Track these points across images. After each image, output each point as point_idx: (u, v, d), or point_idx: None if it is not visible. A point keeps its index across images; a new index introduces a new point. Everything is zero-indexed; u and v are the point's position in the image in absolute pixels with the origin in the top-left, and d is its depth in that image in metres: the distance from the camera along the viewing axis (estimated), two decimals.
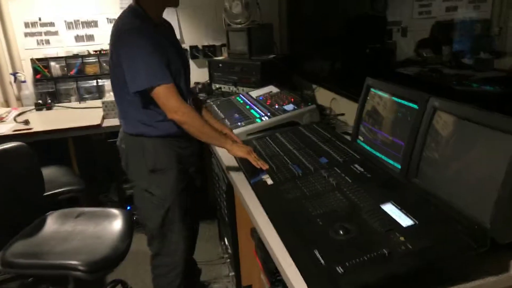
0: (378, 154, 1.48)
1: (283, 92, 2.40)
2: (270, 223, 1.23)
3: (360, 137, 1.61)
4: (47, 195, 1.97)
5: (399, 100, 1.39)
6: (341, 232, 1.05)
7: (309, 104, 2.11)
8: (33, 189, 1.82)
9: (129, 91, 1.58)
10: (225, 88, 2.92)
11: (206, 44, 3.26)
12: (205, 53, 3.25)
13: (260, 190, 1.39)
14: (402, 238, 0.98)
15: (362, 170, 1.37)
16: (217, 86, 2.96)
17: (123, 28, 1.58)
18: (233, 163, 1.71)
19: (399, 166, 1.36)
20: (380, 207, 1.14)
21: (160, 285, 1.92)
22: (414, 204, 1.14)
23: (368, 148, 1.54)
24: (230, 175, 1.67)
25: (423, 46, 2.23)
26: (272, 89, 2.53)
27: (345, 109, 2.36)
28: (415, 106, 1.31)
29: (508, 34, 1.75)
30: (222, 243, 2.44)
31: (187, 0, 3.03)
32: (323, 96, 2.64)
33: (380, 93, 1.51)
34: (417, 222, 1.04)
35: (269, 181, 1.42)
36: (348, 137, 1.86)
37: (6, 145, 1.70)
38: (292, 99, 2.23)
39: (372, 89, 1.56)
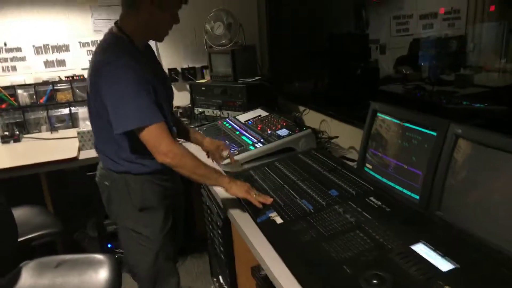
0: (391, 183, 1.38)
1: (273, 115, 2.30)
2: (286, 268, 1.10)
3: (367, 165, 1.51)
4: (20, 242, 1.74)
5: (413, 127, 1.31)
6: (375, 282, 0.93)
7: (304, 128, 2.01)
8: (5, 237, 1.60)
9: (112, 129, 1.41)
10: (209, 112, 2.79)
11: (185, 66, 3.13)
12: (185, 76, 3.11)
13: (269, 231, 1.26)
14: (447, 287, 0.88)
15: (379, 203, 1.27)
16: (200, 110, 2.82)
17: (106, 63, 1.39)
18: (232, 197, 1.57)
19: (417, 197, 1.27)
20: (411, 248, 1.03)
21: None
22: (447, 242, 1.04)
23: (378, 177, 1.44)
24: (229, 211, 1.53)
25: (402, 63, 2.21)
26: (261, 112, 2.42)
27: (337, 131, 2.29)
28: (433, 133, 1.23)
29: (482, 50, 1.75)
30: (215, 279, 2.27)
31: None
32: (312, 119, 2.56)
33: (388, 118, 1.43)
34: (458, 266, 0.94)
35: (278, 220, 1.29)
36: (349, 163, 1.77)
37: None
38: (285, 123, 2.12)
39: (379, 114, 1.48)
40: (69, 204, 2.71)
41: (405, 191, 1.32)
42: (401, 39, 2.18)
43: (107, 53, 1.41)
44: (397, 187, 1.35)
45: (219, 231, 1.82)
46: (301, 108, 2.68)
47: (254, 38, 3.17)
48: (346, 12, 2.54)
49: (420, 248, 1.03)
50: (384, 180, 1.41)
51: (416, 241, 1.05)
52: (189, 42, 3.11)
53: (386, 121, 1.44)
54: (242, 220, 1.42)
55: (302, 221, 1.25)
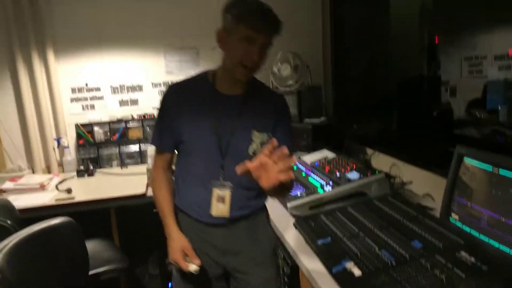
0: (484, 237, 1.24)
1: (341, 157, 2.22)
2: None
3: (453, 215, 1.38)
4: (90, 275, 1.77)
5: (510, 174, 1.18)
6: None
7: (377, 172, 1.91)
8: (78, 270, 1.63)
9: None
10: None
11: None
12: None
13: (347, 283, 1.16)
14: None
15: (472, 260, 1.14)
16: None
17: None
18: (301, 242, 1.50)
19: None
20: None
21: None
22: None
23: (467, 229, 1.31)
24: (298, 258, 1.45)
25: (475, 106, 2.07)
26: (327, 153, 2.35)
27: (409, 176, 2.15)
28: None
29: None
30: None
31: None
32: (381, 162, 2.44)
33: (478, 164, 1.31)
34: None
35: (356, 271, 1.19)
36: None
37: (54, 220, 1.55)
38: (354, 166, 2.04)
39: (466, 159, 1.36)
40: (133, 239, 2.75)
41: (502, 247, 1.17)
42: (474, 81, 2.07)
43: None
44: (491, 241, 1.21)
45: (285, 278, 1.73)
46: (369, 151, 2.58)
47: (319, 78, 3.16)
48: (414, 53, 2.47)
49: None
50: (475, 233, 1.27)
51: None
52: None
53: (475, 167, 1.32)
54: (314, 269, 1.34)
55: (383, 274, 1.14)
